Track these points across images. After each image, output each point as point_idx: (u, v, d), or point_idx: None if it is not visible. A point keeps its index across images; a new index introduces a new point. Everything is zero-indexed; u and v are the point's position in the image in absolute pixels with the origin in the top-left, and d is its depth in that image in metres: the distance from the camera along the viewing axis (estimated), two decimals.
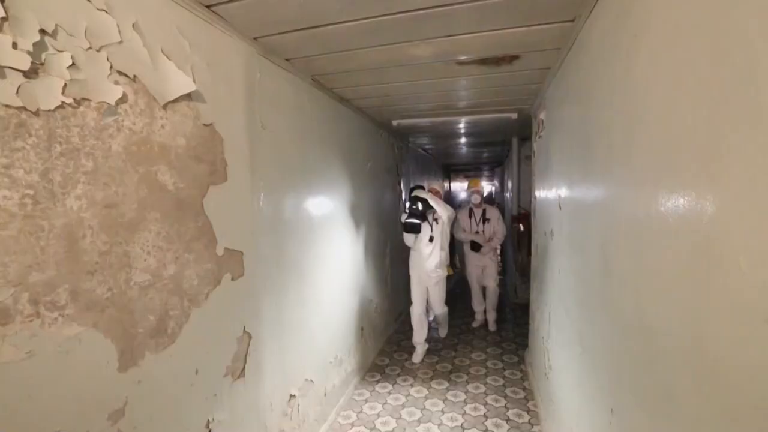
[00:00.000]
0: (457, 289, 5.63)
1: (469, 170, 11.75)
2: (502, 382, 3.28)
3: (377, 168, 3.89)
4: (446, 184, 9.72)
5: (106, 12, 1.10)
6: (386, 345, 4.05)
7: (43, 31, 0.94)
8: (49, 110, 0.96)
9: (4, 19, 0.86)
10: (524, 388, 3.16)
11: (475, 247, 4.41)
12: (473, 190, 4.41)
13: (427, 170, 6.77)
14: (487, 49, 1.96)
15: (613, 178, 1.22)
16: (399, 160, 4.73)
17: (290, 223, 2.15)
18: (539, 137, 2.97)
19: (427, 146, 6.03)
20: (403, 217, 3.54)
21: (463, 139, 5.28)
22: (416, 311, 3.73)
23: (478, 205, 4.42)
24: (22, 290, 0.91)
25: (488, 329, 4.49)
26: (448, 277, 3.83)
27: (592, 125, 1.48)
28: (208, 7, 1.46)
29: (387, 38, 1.82)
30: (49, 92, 0.96)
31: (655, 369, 0.92)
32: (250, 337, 1.76)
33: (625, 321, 1.13)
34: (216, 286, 1.54)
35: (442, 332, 4.21)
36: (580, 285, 1.66)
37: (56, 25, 0.97)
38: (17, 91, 0.89)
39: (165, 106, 1.29)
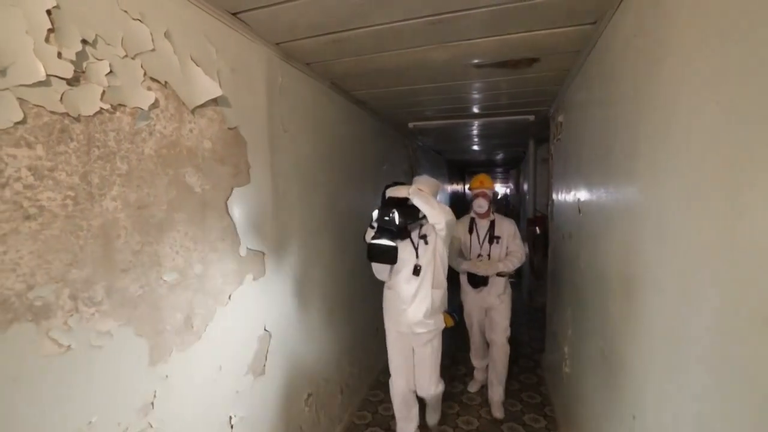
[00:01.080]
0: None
1: (485, 172, 11.68)
2: (517, 386, 3.25)
3: (393, 169, 3.91)
4: (459, 186, 9.65)
5: (141, 21, 1.15)
6: None
7: (84, 41, 0.99)
8: (89, 116, 1.01)
9: (51, 30, 0.92)
10: (540, 393, 3.12)
11: (476, 281, 2.81)
12: (478, 192, 2.82)
13: (441, 172, 6.76)
14: (505, 52, 1.97)
15: (637, 181, 1.22)
16: (414, 162, 4.74)
17: (308, 225, 2.19)
18: (557, 140, 2.94)
19: (441, 148, 6.03)
20: (369, 235, 2.03)
21: (478, 141, 5.27)
22: (398, 388, 2.31)
23: (483, 215, 2.83)
24: (63, 286, 0.96)
25: (490, 410, 2.90)
26: (446, 328, 2.28)
27: (614, 128, 1.47)
28: (233, 14, 1.51)
29: (405, 43, 1.84)
30: (89, 99, 1.01)
31: (682, 375, 0.91)
32: (270, 336, 1.80)
33: (649, 327, 1.12)
34: (239, 285, 1.58)
35: (431, 419, 2.55)
36: (601, 290, 1.64)
37: (96, 35, 1.02)
38: (61, 98, 0.94)
39: (193, 111, 1.34)
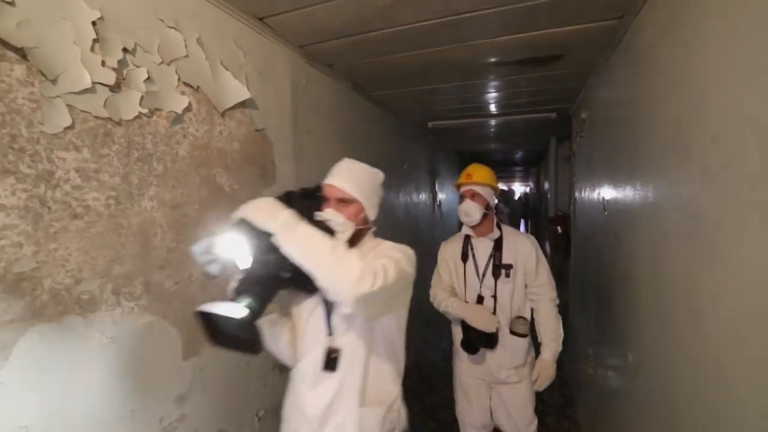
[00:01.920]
0: None
1: (502, 171, 11.54)
2: None
3: (413, 169, 3.92)
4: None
5: (175, 29, 1.20)
6: (422, 344, 4.06)
7: (125, 50, 1.04)
8: (129, 120, 1.07)
9: (96, 40, 0.97)
10: (563, 395, 3.08)
11: (474, 342, 1.71)
12: (465, 189, 1.79)
13: (457, 170, 6.73)
14: (528, 49, 1.95)
15: (667, 179, 1.19)
16: (434, 161, 4.73)
17: None
18: (580, 137, 2.89)
19: (460, 147, 6.00)
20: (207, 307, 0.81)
21: (497, 140, 5.22)
22: None
23: (480, 229, 1.81)
24: (107, 281, 1.02)
25: None
26: None
27: (641, 125, 1.44)
28: (260, 19, 1.55)
29: (426, 43, 1.85)
30: (129, 104, 1.06)
31: (713, 376, 0.89)
32: None
33: (679, 328, 1.10)
34: None
35: None
36: (627, 290, 1.61)
37: (135, 43, 1.08)
38: (104, 104, 1.00)
39: (223, 114, 1.39)
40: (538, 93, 2.81)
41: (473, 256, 1.81)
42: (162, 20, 1.16)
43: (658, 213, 1.26)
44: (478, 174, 1.78)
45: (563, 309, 1.88)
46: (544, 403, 2.97)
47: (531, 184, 11.54)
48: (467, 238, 1.83)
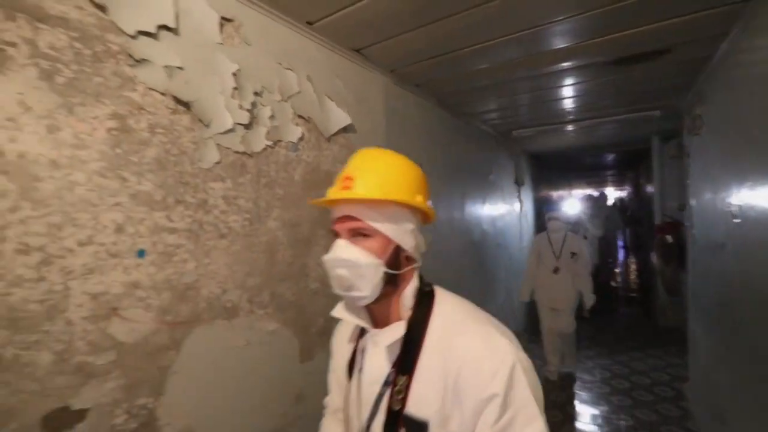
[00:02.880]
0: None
1: (592, 176, 10.61)
2: (654, 417, 2.85)
3: (498, 179, 3.83)
4: (556, 192, 8.94)
5: (291, 70, 1.37)
6: None
7: (255, 93, 1.22)
8: (258, 152, 1.24)
9: (235, 88, 1.16)
10: (687, 429, 2.70)
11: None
12: (342, 216, 0.71)
13: (543, 178, 6.36)
14: (631, 47, 1.82)
15: None
16: (520, 170, 4.56)
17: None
18: (694, 135, 2.57)
19: (544, 152, 5.69)
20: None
21: (587, 143, 4.85)
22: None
23: (380, 318, 0.75)
24: (243, 292, 1.18)
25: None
26: None
27: None
28: (357, 50, 1.69)
29: (511, 54, 1.84)
30: (258, 138, 1.24)
31: None
32: None
33: None
34: None
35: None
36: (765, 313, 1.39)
37: (262, 86, 1.25)
38: (241, 140, 1.18)
39: (328, 139, 1.53)
40: (641, 91, 2.58)
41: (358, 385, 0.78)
42: (280, 64, 1.33)
43: None
44: (373, 175, 0.71)
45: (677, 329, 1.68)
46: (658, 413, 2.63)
47: (628, 188, 10.44)
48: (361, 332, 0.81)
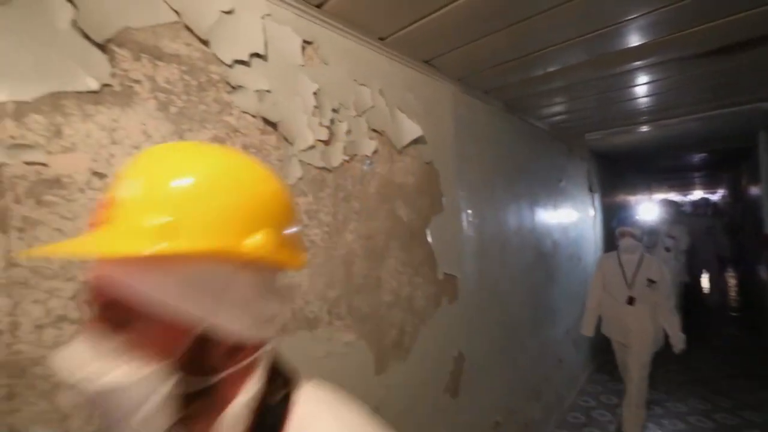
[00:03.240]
0: None
1: (674, 179, 9.56)
2: None
3: (570, 185, 3.60)
4: (631, 197, 8.15)
5: (365, 85, 1.40)
6: (588, 384, 3.58)
7: (333, 110, 1.27)
8: (336, 167, 1.28)
9: (315, 107, 1.21)
10: None
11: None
12: (99, 277, 0.38)
13: (617, 183, 5.86)
14: (733, 33, 1.61)
15: None
16: (592, 176, 4.26)
17: (490, 248, 2.20)
18: None
19: (617, 155, 5.24)
20: None
21: (674, 144, 4.38)
22: None
23: None
24: (324, 303, 1.22)
25: None
26: None
27: None
28: (426, 61, 1.69)
29: (586, 55, 1.72)
30: (336, 154, 1.28)
31: None
32: (463, 359, 1.85)
33: None
34: (437, 307, 1.69)
35: None
36: None
37: (339, 103, 1.30)
38: (321, 156, 1.23)
39: (400, 151, 1.54)
40: (738, 83, 2.28)
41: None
42: (355, 80, 1.37)
43: None
44: (151, 201, 0.38)
45: None
46: None
47: (721, 191, 9.27)
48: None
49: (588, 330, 2.82)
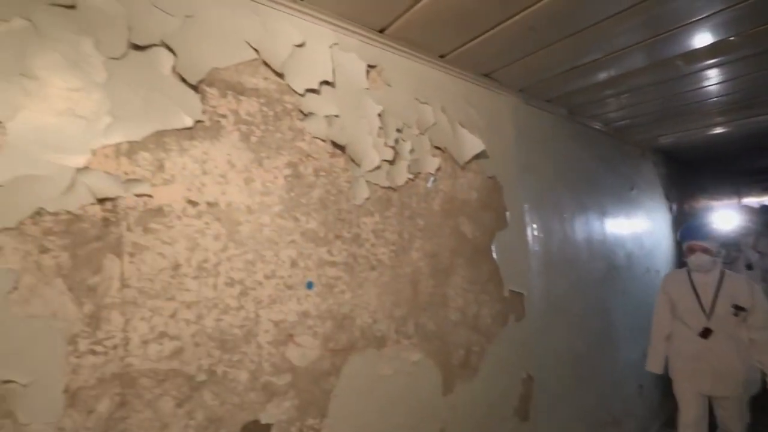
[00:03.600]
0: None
1: (760, 182, 8.40)
2: None
3: (642, 194, 3.33)
4: (714, 202, 7.29)
5: (426, 104, 1.41)
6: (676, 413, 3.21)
7: (397, 130, 1.29)
8: (401, 186, 1.29)
9: (381, 128, 1.24)
10: None
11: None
12: None
13: (694, 188, 5.29)
14: None
15: None
16: (666, 182, 3.90)
17: (558, 263, 2.08)
18: None
19: (694, 157, 4.74)
20: None
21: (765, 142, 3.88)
22: None
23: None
24: (391, 322, 1.22)
25: None
26: None
27: None
28: (486, 75, 1.67)
29: (657, 54, 1.60)
30: (401, 173, 1.29)
31: None
32: (532, 380, 1.75)
33: None
34: (503, 326, 1.63)
35: None
36: None
37: (403, 123, 1.32)
38: (386, 176, 1.25)
39: (463, 167, 1.52)
40: None
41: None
42: (417, 99, 1.39)
43: None
44: None
45: None
46: None
47: None
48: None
49: (654, 366, 2.26)
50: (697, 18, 1.33)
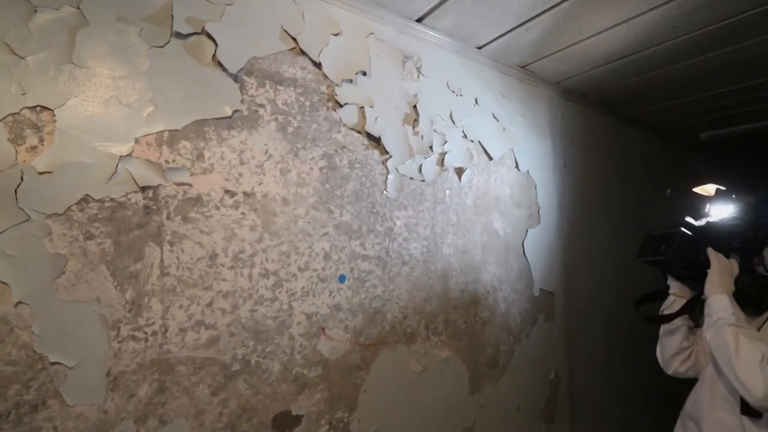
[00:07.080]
0: None
1: None
2: None
3: (680, 195, 3.18)
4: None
5: (460, 95, 1.37)
6: None
7: (431, 122, 1.26)
8: (433, 179, 1.26)
9: (415, 120, 1.21)
10: None
11: None
12: None
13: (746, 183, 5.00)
14: None
15: None
16: (708, 181, 3.70)
17: (592, 262, 2.01)
18: None
19: (739, 157, 4.49)
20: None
21: None
22: None
23: None
24: (421, 318, 1.20)
25: None
26: None
27: None
28: (522, 67, 1.61)
29: (703, 50, 1.50)
30: (433, 165, 1.26)
31: None
32: (559, 382, 1.71)
33: None
34: (533, 326, 1.59)
35: None
36: None
37: (437, 114, 1.28)
38: (419, 169, 1.22)
39: (496, 161, 1.48)
40: None
41: None
42: (452, 91, 1.35)
43: None
44: None
45: None
46: None
47: None
48: None
49: None
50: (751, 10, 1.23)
